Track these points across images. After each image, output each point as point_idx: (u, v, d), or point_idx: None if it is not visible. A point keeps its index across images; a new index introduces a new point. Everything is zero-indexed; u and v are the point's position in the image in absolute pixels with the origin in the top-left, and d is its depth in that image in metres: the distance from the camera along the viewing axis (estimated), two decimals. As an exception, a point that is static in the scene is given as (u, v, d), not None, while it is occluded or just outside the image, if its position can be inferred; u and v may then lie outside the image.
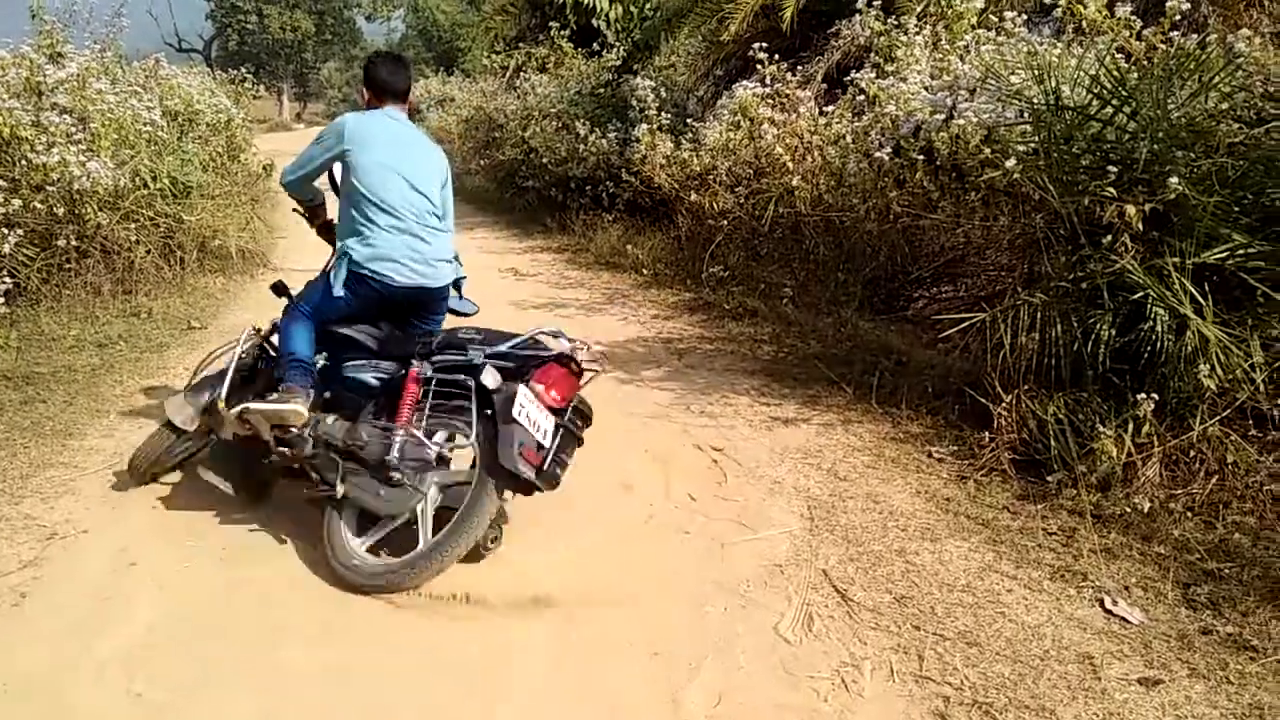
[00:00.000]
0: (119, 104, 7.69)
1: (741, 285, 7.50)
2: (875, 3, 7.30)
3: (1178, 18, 4.96)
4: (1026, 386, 4.06)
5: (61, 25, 8.26)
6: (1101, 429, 3.70)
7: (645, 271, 8.62)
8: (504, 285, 8.34)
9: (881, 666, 2.74)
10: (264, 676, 2.72)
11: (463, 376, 3.22)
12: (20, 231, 6.31)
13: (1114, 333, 3.84)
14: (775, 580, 3.24)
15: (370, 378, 3.51)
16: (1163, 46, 4.76)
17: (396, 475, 3.19)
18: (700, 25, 10.23)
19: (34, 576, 3.25)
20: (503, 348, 3.28)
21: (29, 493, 3.89)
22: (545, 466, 3.11)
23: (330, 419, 3.41)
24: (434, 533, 3.18)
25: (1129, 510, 3.52)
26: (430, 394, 3.29)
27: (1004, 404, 4.08)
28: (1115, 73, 4.14)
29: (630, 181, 9.34)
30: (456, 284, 3.86)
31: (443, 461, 3.32)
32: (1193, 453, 3.68)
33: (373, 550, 3.27)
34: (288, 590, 3.20)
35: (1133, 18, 5.17)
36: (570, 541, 3.54)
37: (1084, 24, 5.33)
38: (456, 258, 3.77)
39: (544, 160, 11.46)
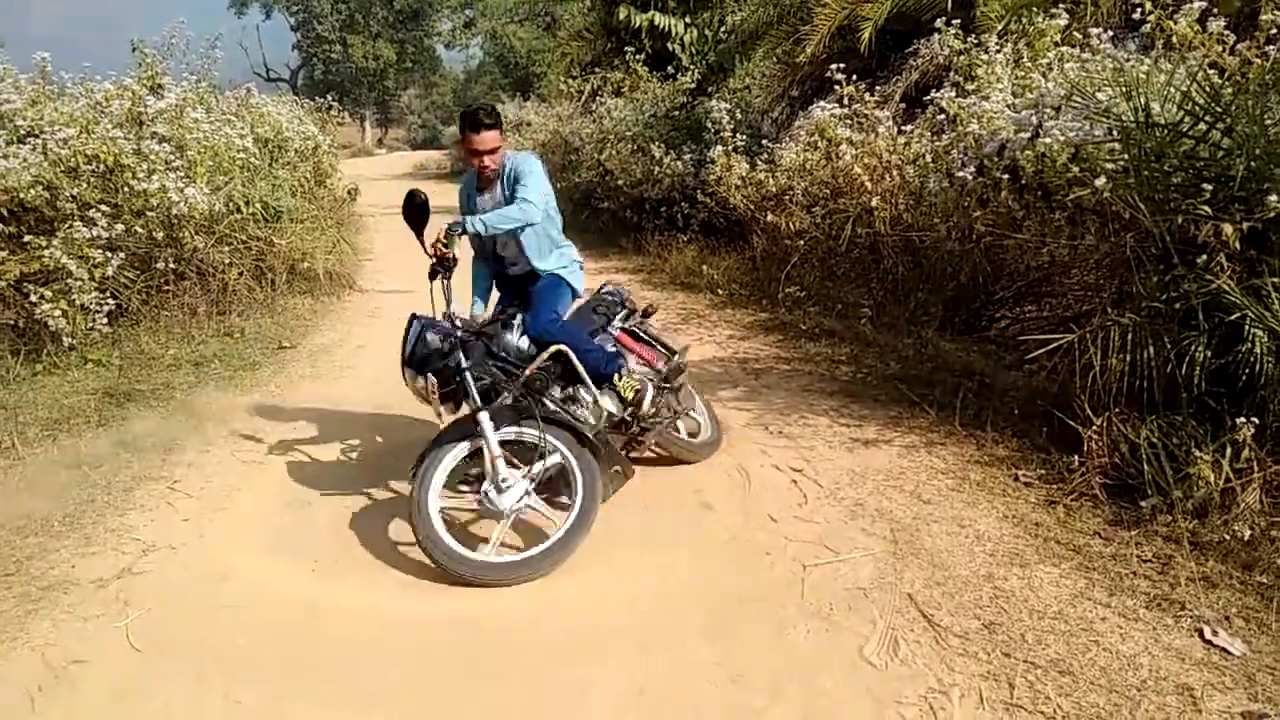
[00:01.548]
0: (214, 132, 8.04)
1: (818, 305, 7.46)
2: (954, 22, 7.26)
3: (1273, 31, 4.81)
4: (1117, 409, 3.96)
5: (160, 58, 8.72)
6: (1197, 453, 3.58)
7: (720, 292, 8.64)
8: (580, 306, 8.43)
9: (971, 694, 2.69)
10: (350, 692, 2.80)
11: None
12: (122, 255, 6.66)
13: (1209, 354, 3.73)
14: (859, 604, 3.20)
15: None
16: (1258, 61, 4.62)
17: None
18: (776, 47, 10.28)
19: (133, 586, 3.39)
20: None
21: (132, 506, 4.07)
22: None
23: None
24: None
25: (1228, 538, 3.40)
26: None
27: (1094, 427, 3.98)
28: (1208, 88, 4.04)
29: (705, 202, 9.40)
30: None
31: None
32: (1296, 479, 3.54)
33: None
34: (374, 608, 3.28)
35: (1225, 32, 5.03)
36: (651, 561, 3.56)
37: (1174, 39, 5.20)
38: None
39: (619, 182, 11.59)
